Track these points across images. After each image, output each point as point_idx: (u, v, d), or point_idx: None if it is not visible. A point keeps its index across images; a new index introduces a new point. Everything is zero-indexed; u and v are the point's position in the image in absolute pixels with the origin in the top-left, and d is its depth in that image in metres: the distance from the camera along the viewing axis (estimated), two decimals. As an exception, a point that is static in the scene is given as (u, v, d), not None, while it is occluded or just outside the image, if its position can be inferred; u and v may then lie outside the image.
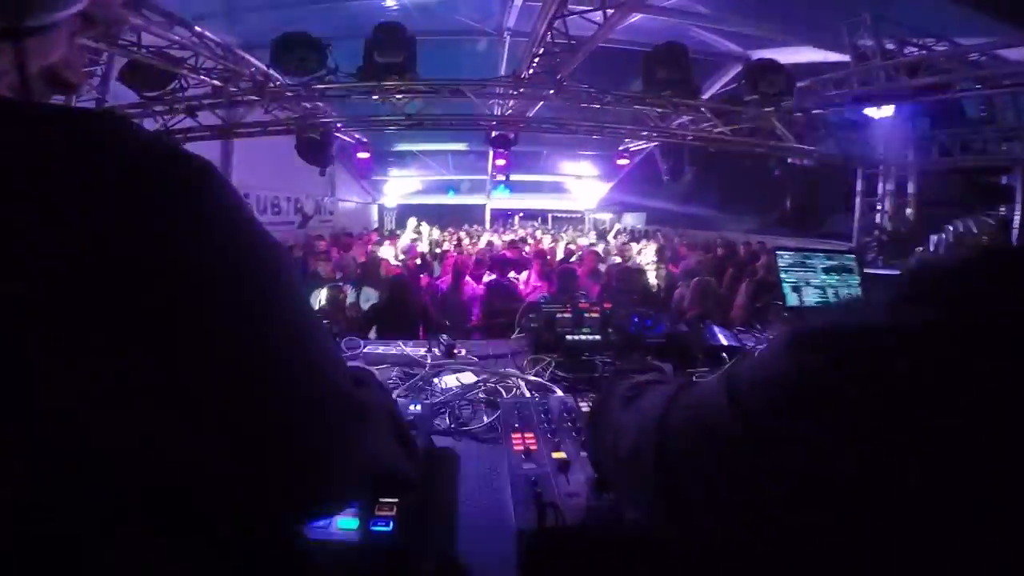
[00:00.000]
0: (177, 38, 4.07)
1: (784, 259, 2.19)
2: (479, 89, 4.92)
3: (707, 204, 12.60)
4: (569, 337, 1.59)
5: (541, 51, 4.13)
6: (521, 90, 4.88)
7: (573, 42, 3.86)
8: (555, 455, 1.09)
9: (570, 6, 3.60)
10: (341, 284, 4.58)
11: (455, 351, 1.98)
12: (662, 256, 9.37)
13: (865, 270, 2.98)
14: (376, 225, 15.75)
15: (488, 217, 16.34)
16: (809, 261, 2.24)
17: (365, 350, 2.07)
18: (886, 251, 3.99)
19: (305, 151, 5.17)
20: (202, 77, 4.57)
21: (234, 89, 4.83)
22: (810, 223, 5.17)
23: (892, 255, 3.83)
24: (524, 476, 0.99)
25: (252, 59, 5.06)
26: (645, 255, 9.01)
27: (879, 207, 5.53)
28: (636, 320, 1.65)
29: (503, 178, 14.42)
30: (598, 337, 1.59)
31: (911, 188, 5.38)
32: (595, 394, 1.38)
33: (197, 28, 4.32)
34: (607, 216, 16.76)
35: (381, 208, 16.04)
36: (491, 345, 2.23)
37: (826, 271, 2.25)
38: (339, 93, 4.84)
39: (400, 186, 15.49)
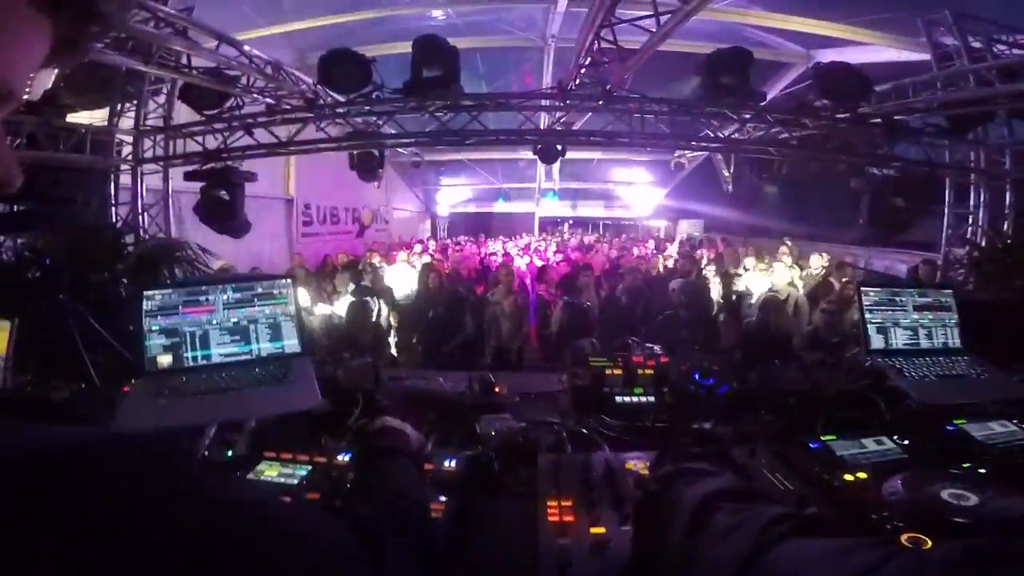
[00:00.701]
0: (225, 58, 4.25)
1: (869, 296, 1.95)
2: (524, 102, 4.87)
3: (772, 211, 11.88)
4: (619, 399, 1.43)
5: (588, 61, 3.99)
6: (567, 102, 4.78)
7: (622, 50, 3.69)
8: (593, 530, 1.01)
9: (619, 12, 3.43)
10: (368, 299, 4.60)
11: (496, 388, 1.93)
12: (720, 266, 8.92)
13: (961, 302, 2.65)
14: (428, 233, 16.14)
15: (537, 225, 16.31)
16: (899, 298, 1.98)
17: (406, 383, 2.07)
18: (980, 273, 3.52)
19: (357, 166, 5.34)
20: (255, 96, 4.80)
21: (286, 106, 5.03)
22: (890, 235, 4.70)
23: (987, 280, 3.37)
24: (556, 553, 0.93)
25: (302, 75, 5.26)
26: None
27: (970, 220, 4.96)
28: (696, 377, 1.48)
29: (552, 185, 14.39)
30: (652, 399, 1.42)
31: (1008, 198, 4.80)
32: (645, 455, 1.28)
33: (246, 47, 4.51)
34: (662, 223, 16.26)
35: (434, 216, 16.36)
36: (534, 379, 2.14)
37: (918, 309, 1.99)
38: (386, 109, 4.94)
39: (452, 195, 15.76)
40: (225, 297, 1.77)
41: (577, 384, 1.48)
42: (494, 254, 9.25)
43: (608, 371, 1.50)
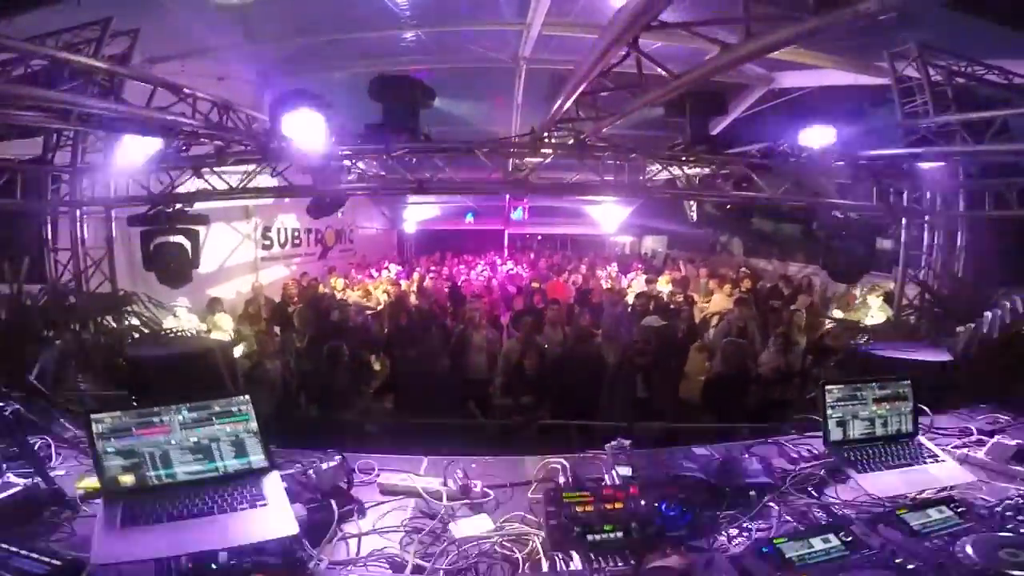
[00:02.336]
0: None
1: (832, 394, 2.07)
2: (495, 150, 4.89)
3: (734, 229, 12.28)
4: (591, 537, 1.53)
5: (563, 114, 4.04)
6: (541, 151, 4.84)
7: (599, 110, 3.75)
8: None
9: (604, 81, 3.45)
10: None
11: (469, 487, 1.94)
12: (682, 288, 9.15)
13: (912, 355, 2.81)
14: (395, 252, 15.94)
15: (506, 241, 16.38)
16: (860, 393, 2.13)
17: (379, 479, 2.05)
18: (935, 322, 3.76)
19: (316, 210, 5.21)
20: (201, 141, 4.62)
21: (237, 148, 4.87)
22: (853, 275, 4.94)
23: (940, 327, 3.59)
24: None
25: (256, 114, 5.15)
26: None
27: (924, 265, 5.28)
28: (663, 509, 1.62)
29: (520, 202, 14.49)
30: (621, 535, 1.53)
31: (960, 240, 5.11)
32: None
33: (186, 90, 4.34)
34: (627, 239, 16.62)
35: (401, 234, 16.17)
36: (509, 469, 2.15)
37: (877, 401, 2.13)
38: (346, 154, 4.84)
39: (419, 211, 15.60)
40: (180, 418, 1.75)
41: (551, 524, 1.56)
42: (467, 280, 9.20)
43: (580, 508, 1.61)
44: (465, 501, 1.91)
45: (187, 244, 4.64)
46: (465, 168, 5.45)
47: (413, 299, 8.80)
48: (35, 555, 1.38)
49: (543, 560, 1.55)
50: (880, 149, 4.81)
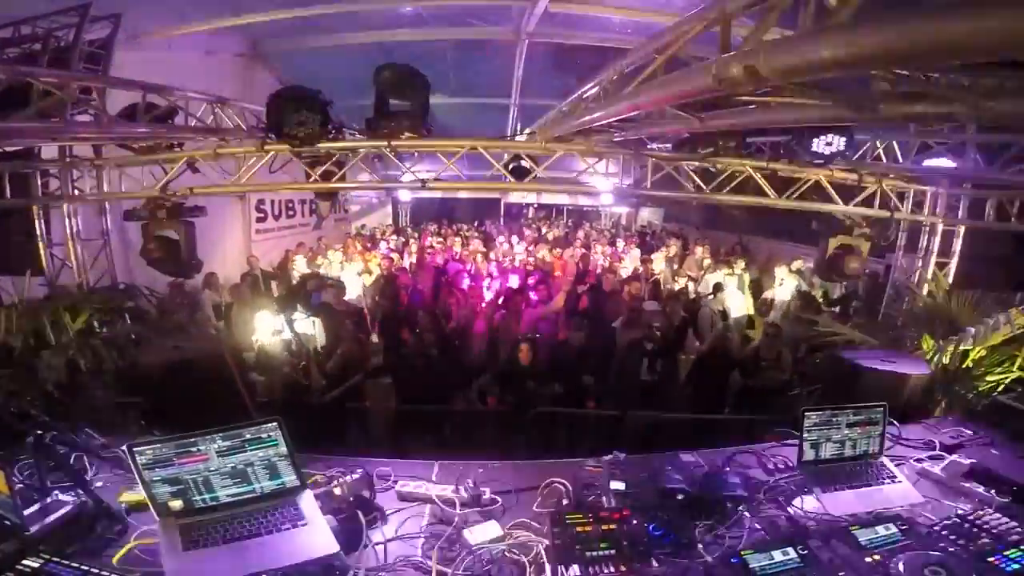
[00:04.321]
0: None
1: (811, 419, 2.34)
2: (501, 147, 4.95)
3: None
4: (589, 553, 1.84)
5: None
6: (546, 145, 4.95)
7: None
8: None
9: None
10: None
11: (479, 495, 2.23)
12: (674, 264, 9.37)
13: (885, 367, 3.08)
14: (390, 221, 15.96)
15: (502, 210, 16.45)
16: (836, 418, 2.42)
17: (396, 487, 2.31)
18: (919, 326, 3.96)
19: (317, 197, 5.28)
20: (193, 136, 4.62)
21: (233, 142, 4.90)
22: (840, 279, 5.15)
23: (924, 331, 3.81)
24: None
25: (251, 107, 5.13)
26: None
27: (919, 265, 5.44)
28: (650, 529, 1.94)
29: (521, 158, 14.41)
30: (614, 552, 1.85)
31: (958, 245, 5.17)
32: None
33: (177, 91, 4.34)
34: (624, 210, 16.67)
35: (396, 202, 16.12)
36: (516, 473, 2.45)
37: (850, 426, 2.41)
38: (347, 147, 4.90)
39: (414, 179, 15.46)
40: (216, 446, 1.98)
41: (556, 543, 1.89)
42: (461, 264, 9.23)
43: (580, 528, 1.94)
44: (476, 509, 2.19)
45: (186, 235, 4.74)
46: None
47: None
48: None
49: (547, 566, 1.84)
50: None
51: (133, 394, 3.06)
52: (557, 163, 5.77)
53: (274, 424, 2.06)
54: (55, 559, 1.71)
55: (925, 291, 4.87)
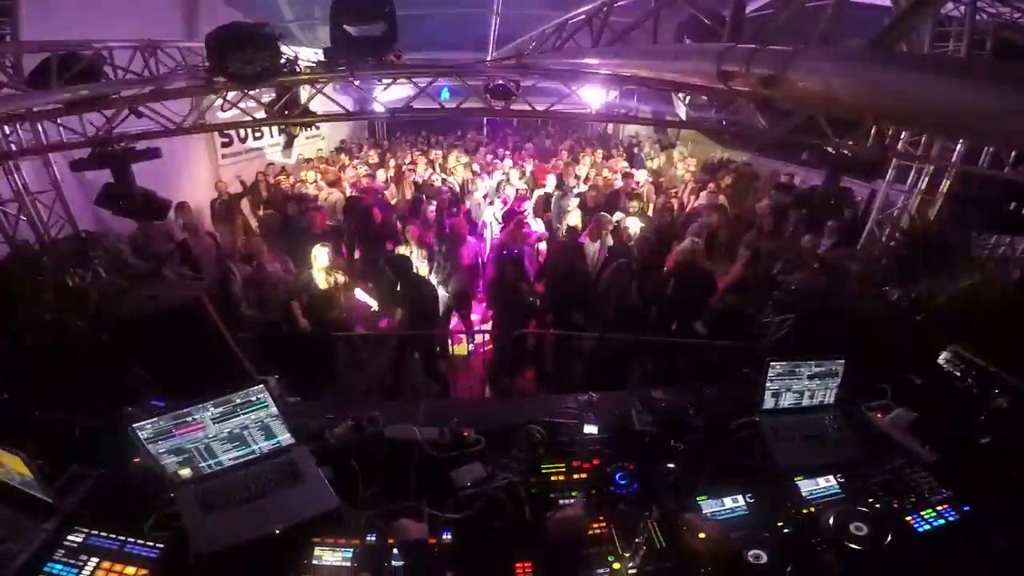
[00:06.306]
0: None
1: (775, 369, 2.53)
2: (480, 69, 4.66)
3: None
4: (562, 502, 2.14)
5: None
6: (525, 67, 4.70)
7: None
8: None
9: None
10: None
11: (464, 434, 2.48)
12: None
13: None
14: (366, 135, 15.36)
15: (486, 123, 15.83)
16: (798, 369, 2.59)
17: (386, 431, 2.53)
18: (899, 263, 4.02)
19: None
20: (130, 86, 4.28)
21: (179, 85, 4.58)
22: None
23: (907, 270, 3.84)
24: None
25: (193, 45, 4.80)
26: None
27: (901, 206, 5.52)
28: (616, 478, 2.20)
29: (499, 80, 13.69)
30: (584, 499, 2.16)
31: (945, 185, 5.21)
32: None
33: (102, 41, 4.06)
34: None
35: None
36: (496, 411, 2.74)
37: (811, 377, 2.61)
38: (305, 79, 4.58)
39: (391, 92, 14.68)
40: (209, 414, 2.16)
41: (532, 492, 2.19)
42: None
43: (554, 477, 2.26)
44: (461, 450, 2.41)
45: (128, 179, 4.39)
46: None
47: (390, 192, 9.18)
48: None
49: (526, 508, 2.09)
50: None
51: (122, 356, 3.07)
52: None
53: (260, 387, 2.22)
54: (94, 532, 1.96)
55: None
